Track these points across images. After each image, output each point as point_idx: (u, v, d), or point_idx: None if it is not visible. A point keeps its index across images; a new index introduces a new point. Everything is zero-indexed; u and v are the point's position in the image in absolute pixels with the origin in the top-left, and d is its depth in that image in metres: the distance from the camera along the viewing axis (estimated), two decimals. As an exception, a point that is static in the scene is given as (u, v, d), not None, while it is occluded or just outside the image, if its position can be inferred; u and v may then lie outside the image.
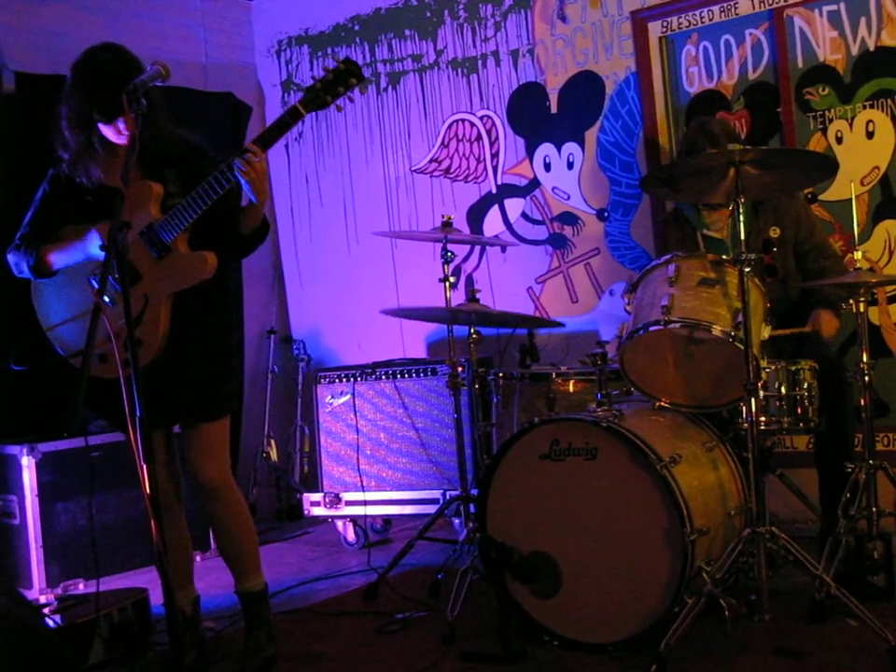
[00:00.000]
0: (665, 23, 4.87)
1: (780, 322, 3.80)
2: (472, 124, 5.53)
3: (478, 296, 4.18)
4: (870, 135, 4.44)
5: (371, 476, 5.01)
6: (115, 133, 3.20)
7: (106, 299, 3.06)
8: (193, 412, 3.34)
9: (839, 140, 4.50)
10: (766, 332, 3.45)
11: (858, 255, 3.52)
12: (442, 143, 5.63)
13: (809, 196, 4.37)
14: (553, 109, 5.25)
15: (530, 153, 5.36)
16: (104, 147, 3.24)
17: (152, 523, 2.51)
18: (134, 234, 3.14)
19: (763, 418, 3.42)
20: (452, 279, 4.34)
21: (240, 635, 3.51)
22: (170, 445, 3.43)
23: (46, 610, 3.62)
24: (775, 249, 4.02)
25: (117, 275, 2.89)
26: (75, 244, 3.26)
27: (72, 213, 3.32)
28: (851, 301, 3.52)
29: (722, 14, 4.71)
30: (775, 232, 4.06)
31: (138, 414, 2.55)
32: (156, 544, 2.49)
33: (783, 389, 3.49)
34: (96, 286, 3.15)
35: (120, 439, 4.21)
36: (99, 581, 3.39)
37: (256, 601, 3.45)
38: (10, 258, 3.36)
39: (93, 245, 3.20)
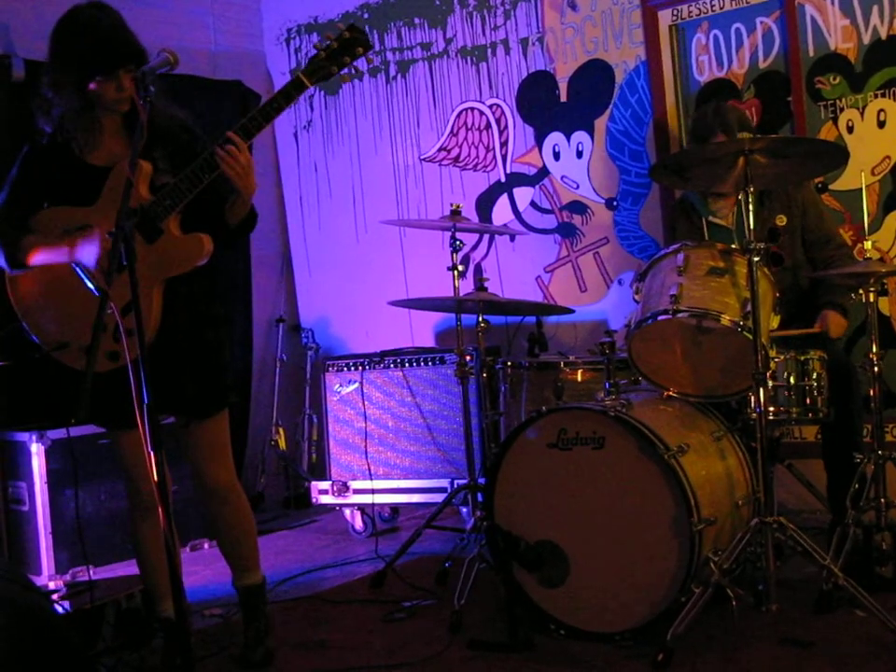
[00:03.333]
0: (675, 12, 4.85)
1: (790, 315, 3.79)
2: (481, 113, 5.52)
3: (486, 285, 4.18)
4: (881, 125, 4.41)
5: (378, 464, 5.02)
6: (115, 90, 3.00)
7: (91, 286, 2.93)
8: (189, 406, 3.19)
9: (850, 129, 4.47)
10: (775, 322, 3.45)
11: (868, 245, 3.50)
12: (451, 131, 5.62)
13: (819, 185, 4.36)
14: (563, 98, 5.24)
15: (539, 142, 5.34)
16: (87, 111, 3.05)
17: (159, 511, 2.50)
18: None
19: (771, 408, 3.42)
20: (460, 268, 4.34)
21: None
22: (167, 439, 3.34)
23: (54, 597, 3.64)
24: (781, 238, 4.01)
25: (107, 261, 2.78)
26: (61, 247, 3.03)
27: (50, 193, 3.14)
28: (861, 291, 3.50)
29: (733, 2, 4.69)
30: (781, 221, 4.05)
31: (146, 401, 2.49)
32: (164, 531, 2.48)
33: (792, 379, 3.48)
34: (81, 274, 2.97)
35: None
36: (92, 569, 3.36)
37: (255, 595, 3.42)
38: None
39: (85, 255, 2.98)
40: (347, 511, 5.16)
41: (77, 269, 3.00)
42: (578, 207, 5.25)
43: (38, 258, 3.08)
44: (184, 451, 3.29)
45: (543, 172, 5.34)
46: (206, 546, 4.96)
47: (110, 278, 2.63)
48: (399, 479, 4.98)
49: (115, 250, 2.55)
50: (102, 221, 2.98)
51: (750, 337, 3.21)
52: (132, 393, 2.52)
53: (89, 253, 2.97)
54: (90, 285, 2.91)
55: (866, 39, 4.41)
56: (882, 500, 3.49)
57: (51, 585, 4.37)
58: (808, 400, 3.51)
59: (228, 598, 3.67)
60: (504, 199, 5.48)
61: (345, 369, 5.13)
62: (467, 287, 4.42)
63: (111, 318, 2.76)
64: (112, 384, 2.85)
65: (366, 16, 5.86)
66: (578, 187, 5.24)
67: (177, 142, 3.14)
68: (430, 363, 4.94)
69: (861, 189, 3.56)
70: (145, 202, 2.99)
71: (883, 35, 4.37)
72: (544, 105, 5.30)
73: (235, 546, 3.41)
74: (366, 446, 5.03)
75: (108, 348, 2.94)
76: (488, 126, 5.50)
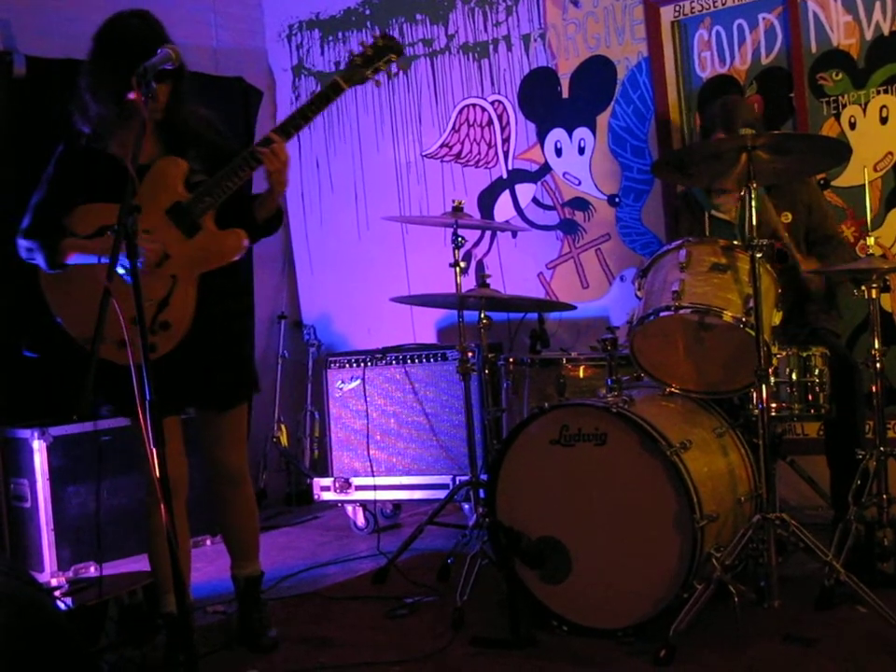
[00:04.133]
0: (677, 8, 4.84)
1: (790, 311, 3.78)
2: (483, 109, 5.51)
3: (488, 281, 4.18)
4: (884, 121, 4.41)
5: (380, 461, 5.02)
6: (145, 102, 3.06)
7: (122, 271, 2.90)
8: (219, 397, 3.33)
9: (852, 126, 4.47)
10: (777, 318, 3.44)
11: (870, 241, 3.50)
12: (453, 128, 5.61)
13: (822, 182, 4.35)
14: (565, 94, 5.23)
15: (541, 138, 5.34)
16: (126, 119, 3.11)
17: (161, 506, 2.51)
18: (161, 212, 3.10)
19: (773, 404, 3.42)
20: (462, 264, 4.33)
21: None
22: (182, 431, 3.40)
23: (56, 593, 3.64)
24: (785, 235, 4.01)
25: (140, 259, 2.91)
26: (97, 246, 3.08)
27: (85, 191, 3.20)
28: (864, 288, 3.50)
29: (735, -2, 4.68)
30: (786, 218, 4.05)
31: (148, 398, 2.52)
32: (167, 528, 2.48)
33: (794, 375, 3.49)
34: (120, 271, 3.01)
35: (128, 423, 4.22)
36: (101, 566, 3.38)
37: (255, 585, 3.51)
38: (23, 242, 3.22)
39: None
40: (349, 508, 5.16)
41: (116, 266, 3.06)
42: (580, 204, 5.25)
43: (75, 258, 3.17)
44: (203, 438, 3.41)
45: (545, 168, 5.34)
46: (209, 542, 4.96)
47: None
48: (400, 475, 4.98)
49: (117, 246, 2.57)
50: (139, 218, 3.00)
51: (753, 333, 3.21)
52: (163, 384, 2.63)
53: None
54: (121, 271, 2.90)
55: (869, 35, 4.41)
56: (884, 497, 3.49)
57: (53, 582, 4.37)
58: (810, 397, 3.51)
59: (230, 595, 3.67)
60: (506, 195, 5.48)
61: (347, 365, 5.13)
62: (469, 283, 4.42)
63: (148, 310, 2.93)
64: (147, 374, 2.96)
65: (367, 12, 5.85)
66: (580, 183, 5.24)
67: (209, 142, 3.26)
68: (432, 360, 4.94)
69: (864, 185, 3.56)
70: (183, 199, 3.11)
71: (886, 32, 4.37)
72: (546, 102, 5.29)
73: (241, 532, 3.50)
74: (368, 443, 5.03)
75: (139, 341, 3.00)
76: (490, 122, 5.50)
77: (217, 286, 3.22)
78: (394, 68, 3.23)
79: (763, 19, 4.65)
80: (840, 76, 4.48)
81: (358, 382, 5.08)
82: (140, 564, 4.23)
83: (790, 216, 4.05)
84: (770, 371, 3.24)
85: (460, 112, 5.59)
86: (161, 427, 2.54)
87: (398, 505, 5.25)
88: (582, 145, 5.21)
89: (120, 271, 2.94)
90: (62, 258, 3.15)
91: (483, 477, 4.19)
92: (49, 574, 4.44)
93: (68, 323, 3.24)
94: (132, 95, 3.00)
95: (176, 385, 3.15)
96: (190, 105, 3.24)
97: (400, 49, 3.25)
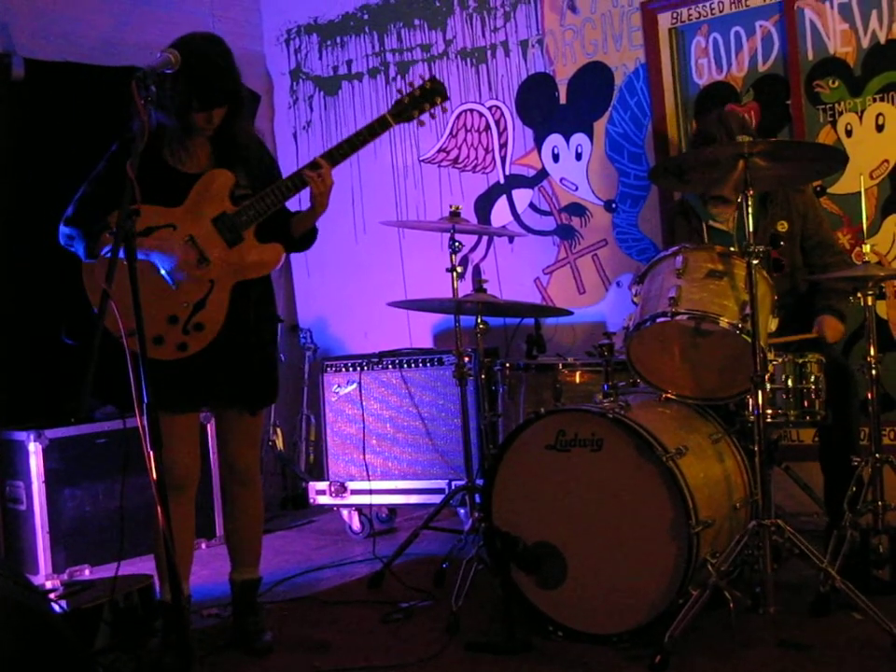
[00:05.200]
0: (674, 14, 4.86)
1: (788, 320, 3.79)
2: (481, 114, 5.52)
3: (485, 286, 4.18)
4: (880, 129, 4.42)
5: (376, 465, 5.02)
6: (205, 121, 3.25)
7: (165, 273, 3.21)
8: (250, 399, 3.43)
9: (849, 133, 4.48)
10: (774, 325, 3.45)
11: (866, 248, 3.51)
12: (451, 133, 5.62)
13: (818, 189, 4.36)
14: (562, 100, 5.25)
15: (538, 144, 5.35)
16: (186, 135, 3.29)
17: (158, 509, 2.53)
18: (207, 219, 3.26)
19: (769, 411, 3.43)
20: (459, 269, 4.34)
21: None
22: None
23: (51, 596, 3.63)
24: (782, 244, 4.01)
25: (197, 262, 3.20)
26: (140, 243, 3.16)
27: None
28: (859, 295, 3.51)
29: (733, 6, 4.69)
30: (783, 226, 4.05)
31: (145, 399, 2.55)
32: (162, 529, 2.49)
33: (790, 382, 3.49)
34: (163, 273, 3.23)
35: (128, 426, 4.22)
36: (88, 567, 3.39)
37: (253, 590, 3.55)
38: (64, 229, 3.32)
39: (159, 260, 3.24)
40: (345, 512, 5.16)
41: (156, 262, 3.24)
42: (577, 209, 5.26)
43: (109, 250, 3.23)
44: (222, 437, 3.54)
45: (542, 174, 5.35)
46: (203, 546, 4.95)
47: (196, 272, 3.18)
48: (396, 480, 4.98)
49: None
50: (186, 223, 3.25)
51: (749, 339, 3.21)
52: (191, 381, 3.06)
53: (168, 251, 3.23)
54: (168, 279, 3.20)
55: (865, 43, 4.42)
56: (879, 503, 3.50)
57: (48, 585, 4.36)
58: (806, 403, 3.51)
59: (225, 598, 3.67)
60: (503, 200, 5.49)
61: (344, 369, 5.13)
62: (465, 288, 4.43)
63: (184, 311, 3.20)
64: (175, 370, 3.21)
65: (365, 17, 5.86)
66: (577, 189, 5.25)
67: (257, 158, 3.43)
68: (429, 364, 4.94)
69: (860, 192, 3.57)
70: (229, 210, 3.28)
71: (882, 40, 4.39)
72: (543, 107, 5.30)
73: (245, 533, 3.55)
74: (364, 447, 5.03)
75: (178, 340, 3.22)
76: (487, 128, 5.51)
77: (251, 291, 3.37)
78: (437, 111, 3.46)
79: (760, 26, 4.67)
80: (837, 83, 4.50)
81: (355, 386, 5.08)
82: (136, 567, 4.24)
83: (786, 224, 4.06)
84: (766, 377, 3.24)
85: (458, 117, 5.60)
86: (159, 429, 2.57)
87: (393, 509, 5.24)
88: (580, 150, 5.22)
89: (161, 272, 3.21)
90: (100, 248, 3.27)
91: (479, 482, 4.20)
92: (44, 577, 4.44)
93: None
94: (198, 115, 3.21)
95: (204, 383, 3.31)
96: (245, 122, 3.44)
97: (445, 94, 3.46)
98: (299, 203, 3.52)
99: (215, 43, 3.30)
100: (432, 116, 3.49)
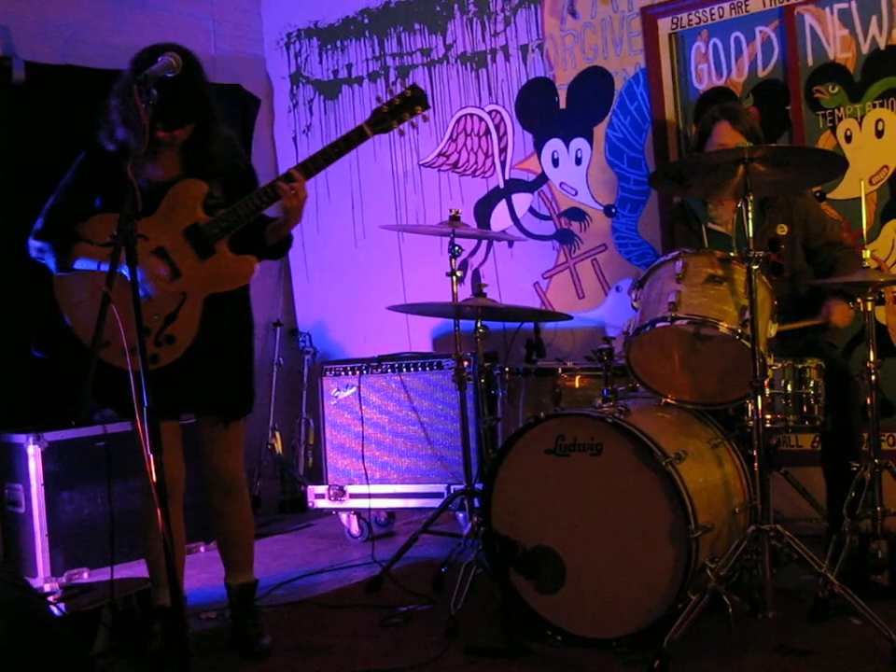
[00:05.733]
0: (674, 20, 4.86)
1: (788, 318, 3.80)
2: (481, 119, 5.53)
3: (485, 290, 4.18)
4: (879, 134, 4.43)
5: (375, 469, 5.02)
6: (170, 138, 3.20)
7: (140, 291, 2.99)
8: (227, 407, 3.39)
9: (848, 139, 4.49)
10: (773, 330, 3.45)
11: (866, 254, 3.51)
12: (451, 137, 5.63)
13: (817, 195, 4.37)
14: (562, 105, 5.25)
15: (538, 148, 5.36)
16: (153, 147, 3.17)
17: (158, 512, 2.52)
18: (178, 230, 3.20)
19: (768, 416, 3.43)
20: (459, 273, 4.34)
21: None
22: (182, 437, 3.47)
23: (50, 599, 3.63)
24: (781, 247, 4.02)
25: (168, 275, 3.13)
26: (103, 260, 3.15)
27: (103, 198, 3.27)
28: (859, 300, 3.52)
29: (733, 11, 4.70)
30: (782, 230, 4.06)
31: (146, 404, 2.54)
32: (162, 532, 2.49)
33: (789, 387, 3.49)
34: (128, 277, 3.10)
35: (126, 429, 4.23)
36: (88, 570, 3.38)
37: (249, 593, 3.54)
38: (34, 243, 3.28)
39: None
40: (343, 516, 5.16)
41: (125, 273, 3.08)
42: (576, 214, 5.26)
43: (82, 265, 3.24)
44: (202, 446, 3.47)
45: (542, 178, 5.36)
46: (202, 549, 4.95)
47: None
48: (395, 483, 4.98)
49: (116, 254, 2.60)
50: (156, 233, 3.19)
51: (748, 345, 3.21)
52: (165, 390, 2.80)
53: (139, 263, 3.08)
54: (141, 292, 3.03)
55: (865, 49, 4.43)
56: (878, 509, 3.50)
57: (47, 587, 4.36)
58: (805, 408, 3.51)
59: (223, 601, 3.67)
60: (503, 205, 5.49)
61: (343, 373, 5.14)
62: (465, 292, 4.43)
63: (155, 324, 3.15)
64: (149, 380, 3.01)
65: (366, 21, 5.87)
66: (576, 193, 5.25)
67: (230, 166, 3.35)
68: (428, 368, 4.95)
69: (860, 198, 3.58)
70: (201, 220, 3.21)
71: (882, 46, 4.39)
72: (543, 112, 5.31)
73: (236, 541, 3.53)
74: (363, 451, 5.03)
75: (150, 352, 3.11)
76: (487, 132, 5.52)
77: (225, 300, 3.31)
78: (419, 120, 3.34)
79: (760, 32, 4.68)
80: (836, 89, 4.50)
81: (354, 390, 5.08)
82: (134, 570, 4.23)
83: (785, 228, 4.06)
84: (765, 382, 3.24)
85: (458, 121, 5.61)
86: (159, 433, 2.55)
87: (392, 513, 5.25)
88: (579, 155, 5.22)
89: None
90: (71, 261, 3.24)
91: (478, 486, 4.20)
92: (43, 579, 4.44)
93: (77, 326, 3.31)
94: (162, 133, 3.12)
95: (180, 392, 3.25)
96: (223, 130, 3.34)
97: (426, 102, 3.34)
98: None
99: (184, 56, 3.10)
100: (413, 125, 3.39)
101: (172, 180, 3.25)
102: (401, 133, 3.38)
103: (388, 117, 3.33)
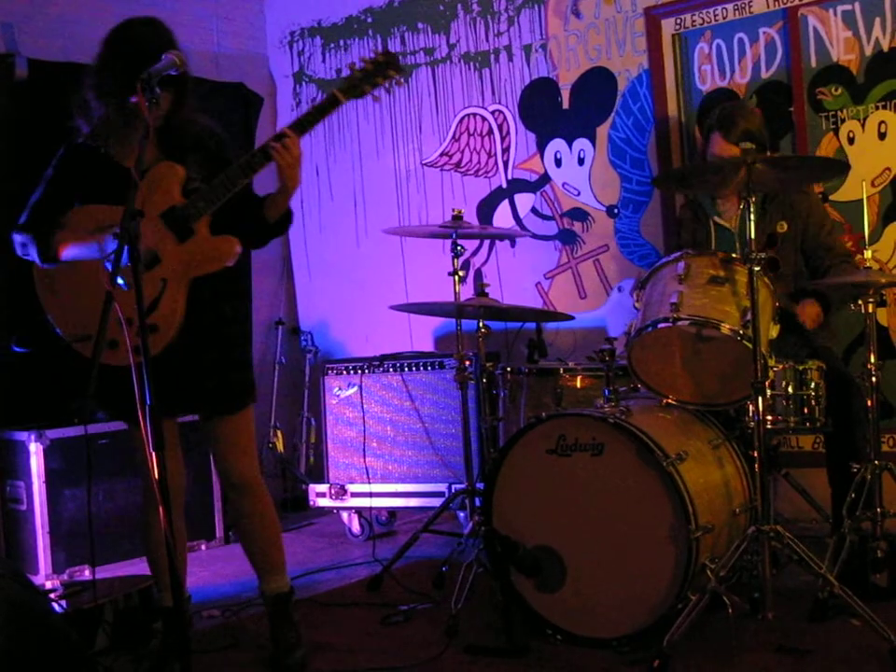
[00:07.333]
0: (678, 21, 4.87)
1: (785, 323, 3.80)
2: (484, 118, 5.53)
3: (487, 290, 4.19)
4: (882, 136, 4.43)
5: (376, 468, 5.02)
6: (150, 108, 3.03)
7: (121, 281, 2.88)
8: (213, 402, 3.27)
9: (851, 140, 4.49)
10: (775, 331, 3.46)
11: (868, 255, 3.52)
12: (454, 137, 5.63)
13: (820, 196, 4.37)
14: (565, 105, 5.25)
15: (541, 148, 5.36)
16: (126, 123, 3.11)
17: (160, 510, 2.52)
18: (155, 216, 3.09)
19: (769, 417, 3.44)
20: (461, 273, 4.35)
21: (246, 624, 3.55)
22: (179, 436, 3.39)
23: (52, 596, 3.64)
24: (779, 244, 4.02)
25: (147, 261, 2.97)
26: (89, 243, 3.11)
27: (83, 193, 3.22)
28: (860, 302, 3.52)
29: (736, 12, 4.70)
30: (781, 227, 4.06)
31: (148, 402, 2.52)
32: (164, 530, 2.49)
33: (790, 389, 3.50)
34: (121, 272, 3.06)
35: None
36: (88, 568, 3.35)
37: (284, 602, 3.38)
38: (17, 237, 3.22)
39: (111, 247, 3.01)
40: (345, 515, 5.16)
41: (108, 264, 3.02)
42: (579, 214, 5.26)
43: (69, 252, 3.17)
44: (210, 447, 3.39)
45: (545, 178, 5.36)
46: (204, 547, 4.95)
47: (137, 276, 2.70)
48: (396, 482, 4.99)
49: (119, 250, 2.58)
50: (140, 223, 2.99)
51: (750, 346, 3.22)
52: (165, 384, 2.64)
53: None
54: (119, 280, 2.85)
55: (868, 51, 4.44)
56: (878, 510, 3.50)
57: (48, 585, 4.37)
58: (806, 410, 3.52)
59: (225, 599, 3.68)
60: (505, 205, 5.50)
61: (345, 372, 5.14)
62: (467, 292, 4.43)
63: (137, 313, 2.84)
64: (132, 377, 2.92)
65: (369, 20, 5.87)
66: (579, 194, 5.26)
67: (207, 149, 3.25)
68: (430, 368, 4.95)
69: (862, 200, 3.58)
70: (178, 203, 3.11)
71: (885, 48, 4.40)
72: (546, 112, 5.31)
73: (260, 545, 3.40)
74: (364, 450, 5.03)
75: (133, 343, 2.94)
76: (490, 132, 5.52)
77: (210, 290, 3.20)
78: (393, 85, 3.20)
79: (764, 33, 4.68)
80: (839, 91, 4.51)
81: (355, 389, 5.09)
82: (136, 568, 4.25)
83: (785, 225, 4.05)
84: (766, 383, 3.25)
85: (461, 121, 5.61)
86: (161, 431, 2.54)
87: (393, 512, 5.25)
88: (582, 155, 5.23)
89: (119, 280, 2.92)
90: (55, 251, 3.16)
91: (479, 485, 4.20)
92: (44, 577, 4.44)
93: (57, 321, 3.24)
94: (134, 99, 2.94)
95: (168, 390, 3.06)
96: (192, 114, 3.25)
97: (400, 66, 3.23)
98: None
99: (150, 25, 3.15)
100: (388, 91, 3.24)
101: (149, 166, 3.14)
102: (376, 99, 3.23)
103: (360, 82, 3.19)
